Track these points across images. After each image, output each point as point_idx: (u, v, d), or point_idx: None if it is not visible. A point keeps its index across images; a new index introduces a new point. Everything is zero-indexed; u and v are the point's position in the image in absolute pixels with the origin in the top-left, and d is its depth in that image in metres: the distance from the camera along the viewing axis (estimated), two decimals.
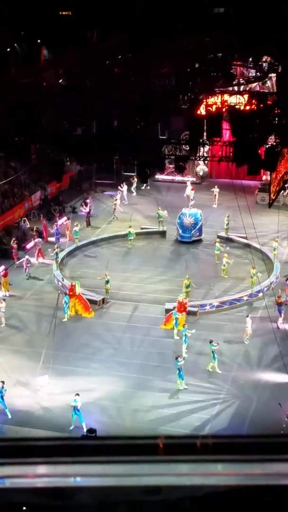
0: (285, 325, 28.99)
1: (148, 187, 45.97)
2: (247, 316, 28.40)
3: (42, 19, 29.34)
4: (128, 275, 34.35)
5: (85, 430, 22.00)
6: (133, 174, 42.70)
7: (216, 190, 42.96)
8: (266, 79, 40.41)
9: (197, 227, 38.27)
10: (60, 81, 30.19)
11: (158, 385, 25.37)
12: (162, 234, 39.43)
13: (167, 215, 39.15)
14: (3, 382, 23.55)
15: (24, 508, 2.73)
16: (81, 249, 37.80)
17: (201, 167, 46.41)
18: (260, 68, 35.81)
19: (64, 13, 31.51)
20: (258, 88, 42.19)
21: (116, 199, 42.64)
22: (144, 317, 30.35)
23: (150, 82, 29.30)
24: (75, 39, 30.16)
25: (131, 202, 44.23)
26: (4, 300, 30.56)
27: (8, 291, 32.45)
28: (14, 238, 37.02)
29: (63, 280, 32.69)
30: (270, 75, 38.07)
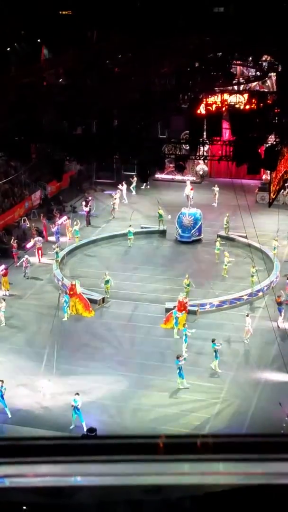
0: (285, 324, 29.01)
1: (148, 186, 45.96)
2: (247, 316, 28.40)
3: (42, 18, 29.35)
4: (128, 274, 34.35)
5: (85, 429, 22.00)
6: (133, 173, 42.69)
7: (216, 189, 42.95)
8: (266, 78, 40.41)
9: (197, 226, 38.25)
10: (60, 80, 30.22)
11: (158, 385, 25.38)
12: (162, 233, 39.42)
13: (169, 219, 39.11)
14: (2, 381, 23.54)
15: (24, 507, 2.73)
16: (81, 248, 37.79)
17: (201, 167, 46.41)
18: (260, 67, 35.82)
19: (64, 12, 31.52)
20: (258, 87, 42.23)
21: (115, 198, 42.64)
22: (144, 316, 30.35)
23: (150, 82, 29.30)
24: (75, 39, 30.17)
25: (131, 202, 44.22)
26: (4, 300, 30.55)
27: (8, 290, 32.46)
28: (14, 238, 37.02)
29: (63, 280, 32.69)
30: (270, 74, 38.07)
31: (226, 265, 33.66)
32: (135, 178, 44.16)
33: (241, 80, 37.21)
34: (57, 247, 36.06)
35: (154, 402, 24.47)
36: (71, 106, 26.28)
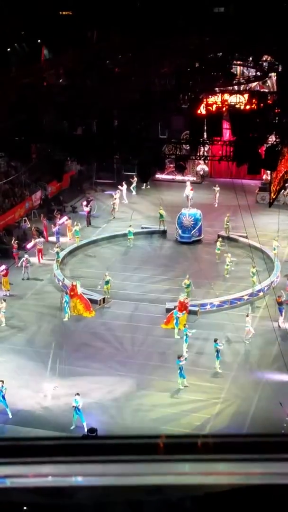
0: (286, 324, 29.00)
1: (148, 187, 45.95)
2: (247, 316, 28.39)
3: (42, 19, 29.39)
4: (129, 274, 34.35)
5: (85, 430, 22.00)
6: (134, 173, 42.67)
7: (217, 189, 42.91)
8: (266, 78, 40.39)
9: (197, 227, 38.22)
10: (61, 80, 30.24)
11: (158, 385, 25.38)
12: (163, 233, 39.41)
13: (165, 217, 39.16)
14: (2, 381, 23.52)
15: (25, 507, 2.73)
16: (82, 248, 37.78)
17: (202, 167, 46.38)
18: (260, 67, 35.80)
19: (64, 13, 31.56)
20: (258, 88, 42.19)
21: (115, 199, 42.63)
22: (144, 316, 30.34)
23: (150, 82, 29.30)
24: (75, 39, 30.20)
25: (131, 202, 44.21)
26: (4, 300, 30.54)
27: (8, 290, 32.45)
28: (14, 238, 37.02)
29: (63, 281, 32.67)
30: (270, 74, 38.06)
31: (227, 265, 33.63)
32: (135, 178, 44.15)
33: (242, 80, 37.19)
34: (57, 247, 36.05)
35: (154, 402, 24.47)
36: (71, 106, 26.29)
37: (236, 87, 36.00)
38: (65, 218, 40.42)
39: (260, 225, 34.80)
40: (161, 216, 39.25)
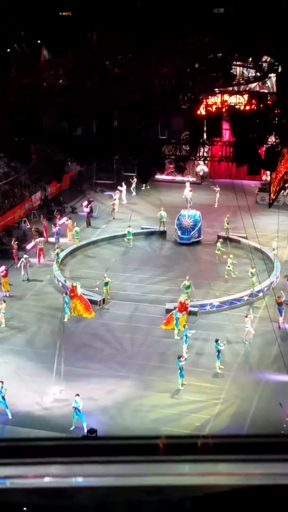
0: (286, 325, 29.00)
1: (148, 187, 45.96)
2: (246, 316, 28.39)
3: (42, 19, 29.39)
4: (129, 275, 34.35)
5: (85, 430, 22.00)
6: (133, 174, 42.68)
7: (217, 189, 42.91)
8: (266, 79, 40.41)
9: (196, 228, 38.19)
10: (60, 81, 30.24)
11: (158, 386, 25.37)
12: (163, 234, 39.40)
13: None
14: (2, 382, 23.52)
15: (25, 508, 2.73)
16: (82, 249, 37.78)
17: (201, 167, 46.39)
18: (260, 68, 35.82)
19: (64, 13, 31.56)
20: (258, 88, 42.21)
21: (115, 199, 42.63)
22: (144, 317, 30.35)
23: (150, 82, 29.31)
24: (75, 39, 30.21)
25: (131, 202, 44.21)
26: (4, 301, 30.53)
27: (8, 291, 32.45)
28: (14, 239, 37.01)
29: (65, 282, 32.59)
30: (270, 75, 38.06)
31: (229, 266, 33.60)
32: (135, 179, 44.16)
33: (241, 80, 37.22)
34: (57, 248, 36.05)
35: (154, 403, 24.47)
36: (71, 107, 26.29)
37: (236, 88, 36.03)
38: (65, 218, 40.42)
39: (260, 226, 34.82)
40: (162, 216, 39.24)
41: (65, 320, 29.92)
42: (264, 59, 35.15)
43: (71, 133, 27.33)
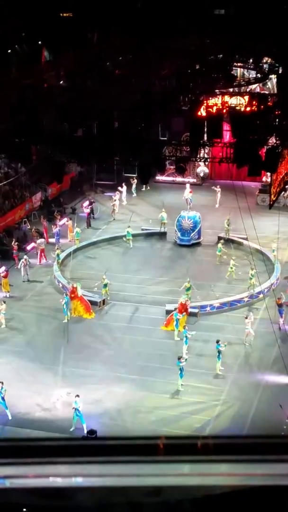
0: (286, 327, 28.99)
1: (148, 188, 45.94)
2: (246, 318, 28.39)
3: (43, 20, 29.40)
4: (129, 276, 34.32)
5: (85, 431, 21.99)
6: (134, 175, 42.67)
7: (218, 189, 42.89)
8: (267, 80, 40.41)
9: (196, 230, 38.14)
10: (61, 82, 30.27)
11: (158, 387, 25.36)
12: (163, 235, 39.37)
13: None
14: (2, 383, 23.52)
15: (25, 509, 2.72)
16: (82, 250, 37.76)
17: (202, 168, 46.38)
18: (260, 69, 35.84)
19: (65, 14, 31.57)
20: (258, 89, 42.20)
21: (115, 200, 42.63)
22: (144, 318, 30.33)
23: (150, 83, 29.34)
24: (76, 40, 30.24)
25: (131, 203, 44.20)
26: (4, 302, 30.52)
27: (8, 292, 32.44)
28: (14, 239, 37.00)
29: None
30: (270, 76, 38.07)
31: (231, 267, 33.56)
32: (135, 180, 44.16)
33: (242, 82, 37.22)
34: (57, 248, 36.04)
35: (154, 404, 24.45)
36: (72, 108, 26.32)
37: (236, 89, 36.02)
38: (65, 219, 40.41)
39: (260, 227, 34.77)
40: (163, 218, 39.22)
41: (65, 321, 29.92)
42: (264, 60, 35.18)
43: (71, 134, 27.36)
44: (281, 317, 29.33)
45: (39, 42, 32.68)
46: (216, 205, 42.71)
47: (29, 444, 2.88)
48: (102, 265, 35.15)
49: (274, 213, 35.37)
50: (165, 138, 36.22)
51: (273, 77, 38.07)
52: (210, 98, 30.78)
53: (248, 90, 38.60)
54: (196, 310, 30.29)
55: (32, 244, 37.21)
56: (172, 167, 41.22)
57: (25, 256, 34.43)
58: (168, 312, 29.94)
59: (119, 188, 44.18)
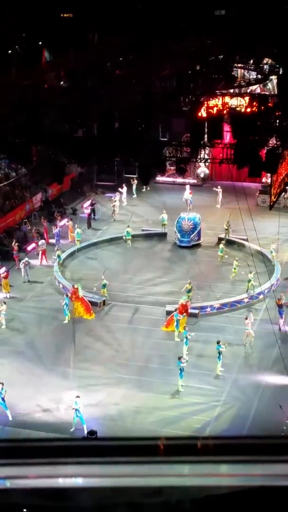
0: (286, 327, 28.99)
1: (148, 189, 45.95)
2: (246, 318, 28.39)
3: (43, 21, 29.44)
4: (129, 277, 34.33)
5: (85, 432, 21.99)
6: (134, 176, 42.67)
7: (219, 190, 42.89)
8: (267, 81, 40.44)
9: (196, 231, 38.12)
10: (62, 82, 30.28)
11: (159, 387, 25.35)
12: (163, 236, 39.36)
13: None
14: (2, 383, 23.51)
15: (25, 510, 2.72)
16: (82, 251, 37.77)
17: (202, 169, 46.39)
18: (261, 70, 35.87)
19: (65, 15, 31.61)
20: (259, 90, 42.22)
21: (115, 201, 42.64)
22: (145, 319, 30.33)
23: (151, 84, 29.37)
24: (76, 41, 30.28)
25: (132, 204, 44.22)
26: (4, 303, 30.52)
27: (9, 292, 32.44)
28: (15, 240, 36.99)
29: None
30: (271, 77, 38.10)
31: (235, 268, 33.54)
32: (136, 181, 44.17)
33: (242, 83, 37.24)
34: (58, 249, 36.04)
35: (154, 404, 24.44)
36: (72, 108, 26.34)
37: (237, 90, 36.04)
38: (65, 220, 40.42)
39: (260, 228, 34.76)
40: (163, 219, 39.21)
41: (65, 321, 29.93)
42: (265, 61, 35.22)
43: (72, 135, 27.36)
44: (281, 318, 29.33)
45: (40, 43, 32.71)
46: (218, 205, 42.73)
47: (29, 445, 2.88)
48: (102, 265, 35.17)
49: (275, 214, 35.38)
50: (166, 139, 36.20)
51: (274, 78, 38.11)
52: (211, 99, 30.82)
53: (248, 91, 38.62)
54: (196, 311, 30.28)
55: (33, 245, 37.21)
56: (172, 168, 41.23)
57: (26, 258, 34.43)
58: (168, 313, 29.94)
59: (120, 189, 44.19)
